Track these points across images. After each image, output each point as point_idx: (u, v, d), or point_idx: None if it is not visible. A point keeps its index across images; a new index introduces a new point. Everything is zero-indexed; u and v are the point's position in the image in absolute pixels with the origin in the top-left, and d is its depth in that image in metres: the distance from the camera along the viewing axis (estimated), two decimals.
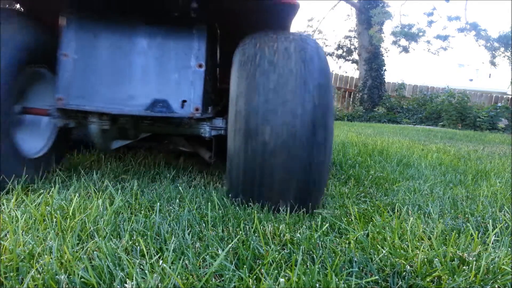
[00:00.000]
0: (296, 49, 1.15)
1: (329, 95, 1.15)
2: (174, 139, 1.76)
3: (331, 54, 15.25)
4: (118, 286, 0.67)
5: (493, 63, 10.93)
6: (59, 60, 1.23)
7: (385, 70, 11.11)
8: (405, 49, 11.55)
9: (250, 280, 0.70)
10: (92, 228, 0.88)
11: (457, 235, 0.95)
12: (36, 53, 1.31)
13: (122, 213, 1.00)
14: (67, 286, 0.66)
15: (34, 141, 1.42)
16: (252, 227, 0.94)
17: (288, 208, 1.09)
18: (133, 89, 1.25)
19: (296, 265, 0.73)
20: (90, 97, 1.24)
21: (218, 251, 0.80)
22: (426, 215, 1.15)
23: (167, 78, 1.27)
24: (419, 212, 1.17)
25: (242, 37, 1.27)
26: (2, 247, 0.76)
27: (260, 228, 0.92)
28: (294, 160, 1.08)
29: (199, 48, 1.27)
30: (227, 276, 0.71)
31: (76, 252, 0.77)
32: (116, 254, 0.76)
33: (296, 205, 1.11)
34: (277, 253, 0.81)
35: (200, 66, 1.27)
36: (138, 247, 0.80)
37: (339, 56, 15.22)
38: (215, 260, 0.76)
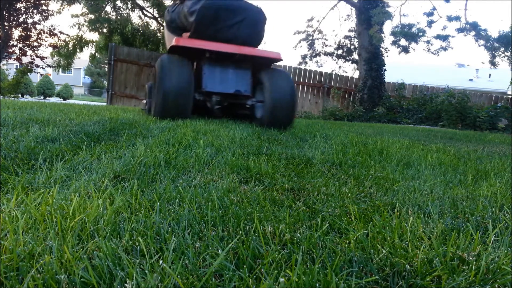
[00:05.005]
0: (278, 72, 3.65)
1: (293, 87, 3.54)
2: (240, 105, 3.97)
3: (331, 54, 15.23)
4: (118, 286, 0.67)
5: (493, 63, 10.93)
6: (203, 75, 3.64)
7: (385, 70, 11.10)
8: (405, 49, 11.55)
9: (250, 280, 0.70)
10: (92, 228, 0.88)
11: (457, 235, 0.95)
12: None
13: (122, 213, 1.01)
14: (67, 286, 0.66)
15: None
16: (252, 227, 0.94)
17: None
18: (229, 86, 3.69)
19: (296, 265, 0.73)
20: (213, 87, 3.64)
21: (218, 251, 0.80)
22: (426, 215, 1.15)
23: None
24: (419, 212, 1.18)
25: (260, 70, 3.71)
26: (2, 247, 0.76)
27: (260, 228, 0.92)
28: (288, 106, 3.43)
29: (249, 75, 3.75)
30: (227, 276, 0.71)
31: (76, 252, 0.77)
32: (116, 254, 0.76)
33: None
34: (277, 253, 0.81)
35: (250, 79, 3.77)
36: (138, 247, 0.80)
37: (339, 56, 15.21)
38: (215, 260, 0.76)
